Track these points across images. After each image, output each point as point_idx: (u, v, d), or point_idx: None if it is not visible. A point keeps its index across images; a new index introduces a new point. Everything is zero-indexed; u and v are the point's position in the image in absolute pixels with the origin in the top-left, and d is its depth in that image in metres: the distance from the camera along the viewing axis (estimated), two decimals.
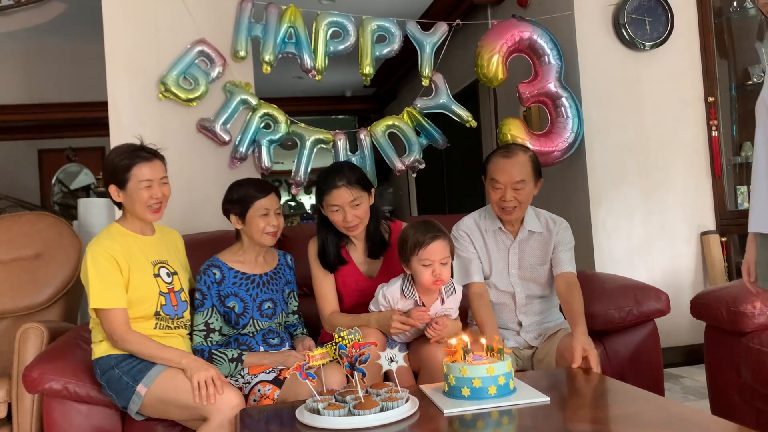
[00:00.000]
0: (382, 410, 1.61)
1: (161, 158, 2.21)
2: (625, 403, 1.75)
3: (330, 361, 1.76)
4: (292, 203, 9.14)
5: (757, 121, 1.88)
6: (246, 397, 2.11)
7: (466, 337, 1.81)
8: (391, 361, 1.70)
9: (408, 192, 7.14)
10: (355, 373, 1.67)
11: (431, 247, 2.08)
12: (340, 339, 1.74)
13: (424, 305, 2.17)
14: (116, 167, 2.14)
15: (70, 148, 8.05)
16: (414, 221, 2.22)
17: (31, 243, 2.98)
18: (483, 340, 1.81)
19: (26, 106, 6.87)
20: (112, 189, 2.16)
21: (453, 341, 1.79)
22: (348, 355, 1.68)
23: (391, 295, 2.18)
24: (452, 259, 2.17)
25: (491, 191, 2.37)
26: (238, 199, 2.29)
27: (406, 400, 1.67)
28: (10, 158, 7.80)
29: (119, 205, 2.20)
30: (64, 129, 7.62)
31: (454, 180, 6.26)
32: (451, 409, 1.64)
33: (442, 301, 2.19)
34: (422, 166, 3.59)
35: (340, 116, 8.42)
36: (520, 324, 2.42)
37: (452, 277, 2.24)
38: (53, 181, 8.04)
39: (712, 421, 1.49)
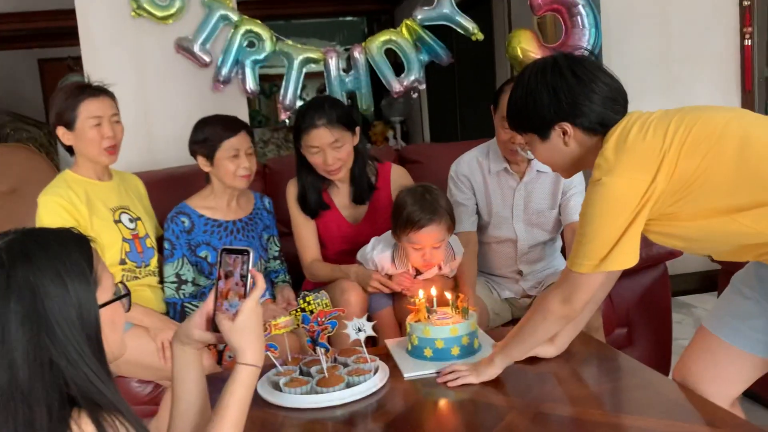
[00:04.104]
0: (347, 386, 1.49)
1: (110, 95, 2.01)
2: (595, 359, 1.67)
3: (295, 328, 1.62)
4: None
5: None
6: (221, 353, 2.00)
7: (434, 290, 1.72)
8: (359, 330, 1.56)
9: (421, 114, 6.76)
10: (318, 349, 1.53)
11: (424, 232, 1.92)
12: (306, 304, 1.59)
13: (419, 272, 2.03)
14: (62, 107, 1.96)
15: (70, 57, 7.78)
16: (413, 186, 2.05)
17: (5, 178, 2.84)
18: (448, 294, 1.72)
19: (21, 14, 6.58)
20: (60, 131, 1.98)
21: (421, 294, 1.70)
22: (310, 330, 1.53)
23: (380, 263, 2.05)
24: (451, 233, 2.00)
25: (501, 130, 2.08)
26: (205, 139, 2.09)
27: (375, 371, 1.54)
28: (9, 70, 7.57)
29: (70, 150, 2.02)
30: (63, 37, 7.33)
31: (466, 102, 5.88)
32: (411, 372, 1.59)
33: (440, 268, 2.07)
34: (422, 87, 3.31)
35: (348, 18, 7.92)
36: (520, 273, 2.24)
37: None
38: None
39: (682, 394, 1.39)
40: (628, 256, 1.32)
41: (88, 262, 0.95)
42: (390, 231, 2.05)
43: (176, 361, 1.17)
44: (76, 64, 7.76)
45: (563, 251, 2.32)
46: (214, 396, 1.17)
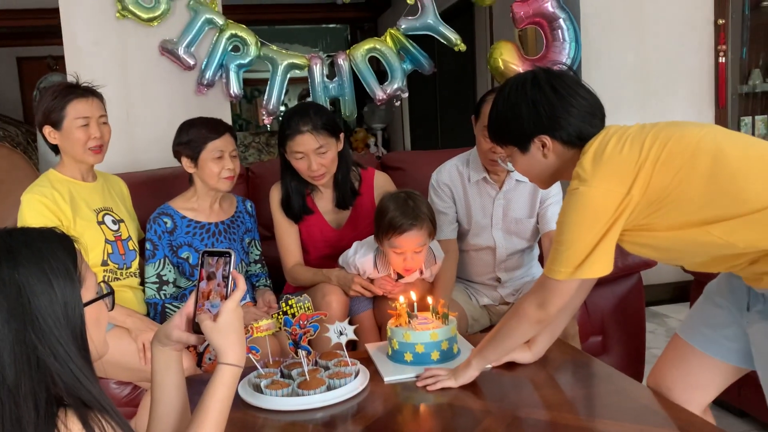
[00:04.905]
0: (328, 388, 1.50)
1: (99, 96, 2.02)
2: (570, 366, 1.70)
3: (277, 331, 1.63)
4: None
5: None
6: (201, 355, 2.00)
7: (414, 294, 1.75)
8: (341, 334, 1.58)
9: (402, 122, 6.79)
10: (300, 351, 1.54)
11: (405, 237, 1.94)
12: (288, 308, 1.60)
13: (401, 275, 2.06)
14: (50, 106, 1.96)
15: (50, 56, 7.70)
16: (396, 192, 2.07)
17: None
18: (429, 299, 1.74)
19: (1, 11, 6.51)
20: (47, 130, 1.98)
21: (401, 299, 1.73)
22: (292, 333, 1.54)
23: (362, 267, 2.07)
24: (432, 238, 2.03)
25: (482, 140, 2.09)
26: (189, 140, 2.10)
27: (356, 374, 1.56)
28: None
29: (56, 150, 2.02)
30: (43, 36, 7.25)
31: (447, 111, 5.92)
32: (391, 376, 1.61)
33: (421, 273, 2.09)
34: (405, 95, 3.35)
35: (331, 25, 7.95)
36: (498, 280, 2.27)
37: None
38: (35, 92, 7.72)
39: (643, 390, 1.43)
40: (603, 265, 1.36)
41: (72, 260, 0.96)
42: (372, 236, 2.07)
43: (156, 362, 1.17)
44: (56, 63, 7.69)
45: (541, 259, 2.36)
46: (194, 398, 1.16)
